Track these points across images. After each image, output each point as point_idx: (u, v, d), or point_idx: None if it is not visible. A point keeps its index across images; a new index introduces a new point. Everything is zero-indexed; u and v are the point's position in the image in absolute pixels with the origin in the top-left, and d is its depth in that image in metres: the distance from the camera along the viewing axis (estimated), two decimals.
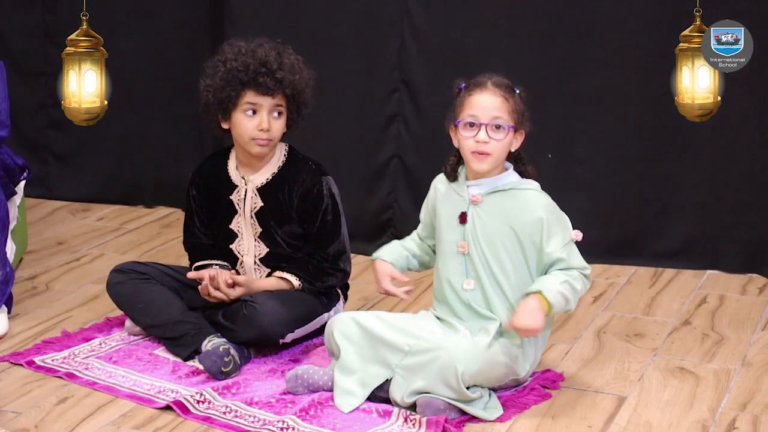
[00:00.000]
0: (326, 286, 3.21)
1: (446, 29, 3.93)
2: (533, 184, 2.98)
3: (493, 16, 3.89)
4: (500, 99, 2.90)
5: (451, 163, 3.01)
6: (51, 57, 4.52)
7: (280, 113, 3.15)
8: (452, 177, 3.01)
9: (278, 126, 3.15)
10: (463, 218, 2.97)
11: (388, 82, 4.00)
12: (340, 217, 3.21)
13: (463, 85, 2.96)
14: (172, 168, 4.41)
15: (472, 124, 2.90)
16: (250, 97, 3.12)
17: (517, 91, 2.94)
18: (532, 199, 2.94)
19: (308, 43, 3.32)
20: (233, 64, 3.12)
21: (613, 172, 3.92)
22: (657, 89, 3.84)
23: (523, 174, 3.00)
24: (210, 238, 3.29)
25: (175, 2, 4.36)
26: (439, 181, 3.06)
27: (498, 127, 2.89)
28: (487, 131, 2.88)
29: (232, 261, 3.25)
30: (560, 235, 2.93)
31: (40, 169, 4.54)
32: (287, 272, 3.19)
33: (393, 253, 3.10)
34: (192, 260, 3.28)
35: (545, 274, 2.93)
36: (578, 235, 2.94)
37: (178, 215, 4.34)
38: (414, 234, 3.16)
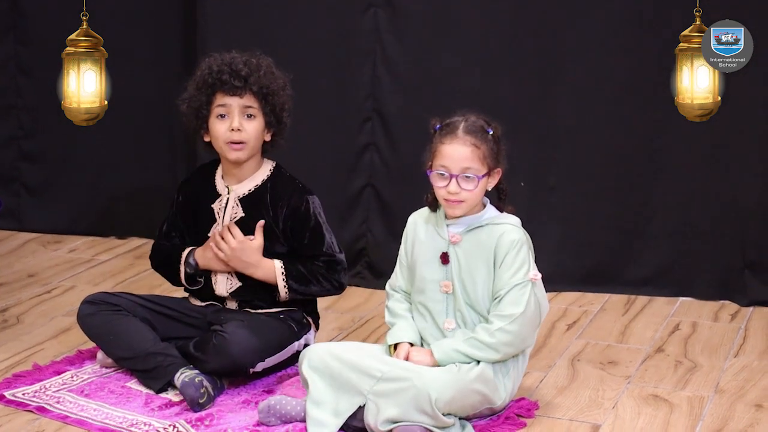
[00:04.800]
0: (313, 292, 3.20)
1: (418, 59, 3.95)
2: (511, 219, 2.99)
3: (465, 44, 3.91)
4: (470, 149, 2.91)
5: (432, 194, 3.02)
6: (23, 89, 4.51)
7: (252, 115, 3.17)
8: (433, 207, 3.03)
9: (251, 128, 3.17)
10: (445, 258, 2.98)
11: (361, 112, 4.01)
12: (327, 233, 3.22)
13: (438, 126, 2.96)
14: (144, 199, 4.40)
15: (442, 174, 2.92)
16: (219, 99, 3.16)
17: (491, 132, 2.95)
18: (505, 233, 2.95)
19: (290, 77, 3.35)
20: (203, 72, 3.19)
21: (586, 201, 3.94)
22: (629, 117, 3.86)
23: (501, 209, 3.02)
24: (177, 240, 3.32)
25: (148, 35, 4.37)
26: (418, 216, 3.07)
27: (468, 177, 2.91)
28: (457, 182, 2.90)
29: (206, 271, 3.25)
30: (511, 272, 2.92)
31: (11, 201, 4.52)
32: (279, 260, 3.17)
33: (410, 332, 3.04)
34: (157, 261, 3.33)
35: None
36: (536, 276, 2.93)
37: (150, 246, 4.31)
38: (400, 293, 3.09)
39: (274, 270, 3.18)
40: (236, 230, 3.16)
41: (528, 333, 2.95)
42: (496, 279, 2.94)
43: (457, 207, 2.94)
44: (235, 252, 3.15)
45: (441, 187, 2.93)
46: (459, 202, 2.93)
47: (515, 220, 3.00)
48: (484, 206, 3.01)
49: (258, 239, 3.17)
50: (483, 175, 2.92)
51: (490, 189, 2.98)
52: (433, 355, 2.92)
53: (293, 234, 3.20)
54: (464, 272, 2.96)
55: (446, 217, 3.00)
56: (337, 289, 3.23)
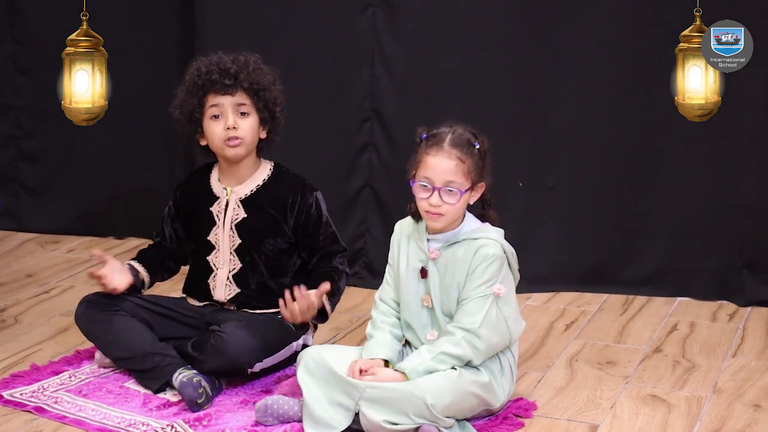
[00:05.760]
0: (342, 293, 3.22)
1: (417, 59, 3.94)
2: (490, 233, 2.96)
3: (464, 44, 3.91)
4: (455, 162, 2.89)
5: (416, 204, 3.01)
6: (21, 89, 4.51)
7: (246, 113, 3.17)
8: (417, 217, 3.01)
9: (247, 125, 3.17)
10: (424, 273, 2.98)
11: (360, 112, 4.01)
12: (334, 228, 3.26)
13: (425, 135, 2.95)
14: (142, 199, 4.40)
15: (425, 186, 2.90)
16: (212, 99, 3.17)
17: (477, 146, 2.92)
18: (482, 248, 2.92)
19: (279, 73, 3.36)
20: (192, 75, 3.20)
21: (584, 201, 3.94)
22: (627, 117, 3.86)
23: (484, 218, 3.00)
24: (174, 244, 3.33)
25: (146, 35, 4.36)
26: (403, 226, 3.06)
27: (451, 191, 2.89)
28: (440, 195, 2.89)
29: (206, 273, 3.26)
30: (476, 284, 2.91)
31: (10, 201, 4.52)
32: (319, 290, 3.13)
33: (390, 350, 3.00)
34: (139, 252, 3.34)
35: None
36: (500, 290, 2.92)
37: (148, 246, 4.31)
38: (387, 305, 3.07)
39: (322, 303, 3.14)
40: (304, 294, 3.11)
41: (494, 344, 2.92)
42: (464, 288, 2.93)
43: (437, 220, 2.92)
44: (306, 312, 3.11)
45: (423, 199, 2.91)
46: (439, 215, 2.91)
47: (496, 234, 2.97)
48: (464, 218, 2.98)
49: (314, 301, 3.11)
50: (466, 190, 2.90)
51: (472, 203, 2.97)
52: (406, 375, 2.88)
53: (304, 233, 3.21)
54: (442, 287, 2.96)
55: (427, 230, 2.99)
56: (348, 279, 3.26)
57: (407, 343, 3.06)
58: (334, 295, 3.18)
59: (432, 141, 2.92)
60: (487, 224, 2.99)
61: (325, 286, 3.09)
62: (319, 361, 2.91)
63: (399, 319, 3.05)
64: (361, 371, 2.88)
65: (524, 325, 3.03)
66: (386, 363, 2.95)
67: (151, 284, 3.30)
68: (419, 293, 2.99)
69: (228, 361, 3.06)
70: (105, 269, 3.17)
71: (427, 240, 2.98)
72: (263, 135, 3.23)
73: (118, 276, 3.19)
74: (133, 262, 3.28)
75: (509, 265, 2.98)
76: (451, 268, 2.94)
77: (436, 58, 3.93)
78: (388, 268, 3.08)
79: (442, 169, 2.88)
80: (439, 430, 2.81)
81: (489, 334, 2.90)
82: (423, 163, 2.91)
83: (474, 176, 2.91)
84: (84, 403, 3.07)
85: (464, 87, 3.90)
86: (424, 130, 2.97)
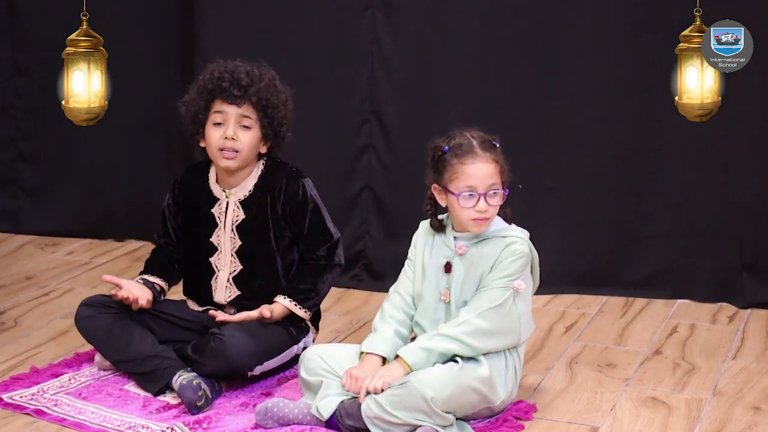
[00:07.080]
0: (324, 292, 3.23)
1: (416, 60, 3.94)
2: (516, 231, 2.99)
3: (463, 45, 3.91)
4: (493, 165, 2.93)
5: (431, 212, 3.01)
6: (20, 90, 4.51)
7: (249, 126, 3.16)
8: (440, 230, 3.02)
9: (246, 138, 3.16)
10: (448, 268, 2.98)
11: (359, 113, 4.01)
12: (325, 216, 3.23)
13: (447, 147, 2.95)
14: (142, 201, 4.39)
15: (471, 195, 2.91)
16: (218, 106, 3.16)
17: (497, 145, 2.96)
18: (512, 244, 2.95)
19: (278, 74, 3.36)
20: (205, 77, 3.18)
21: (584, 202, 3.93)
22: (627, 118, 3.86)
23: (505, 217, 3.02)
24: (178, 244, 3.32)
25: (145, 36, 4.36)
26: (428, 224, 3.06)
27: (495, 193, 2.92)
28: (485, 200, 2.91)
29: (208, 275, 3.25)
30: (499, 275, 2.92)
31: (9, 203, 4.52)
32: (281, 295, 3.18)
33: (388, 345, 2.99)
34: (146, 263, 3.32)
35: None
36: (520, 286, 2.94)
37: (148, 248, 4.28)
38: (400, 297, 3.06)
39: (285, 308, 3.18)
40: (229, 317, 3.17)
41: (500, 332, 2.92)
42: (486, 278, 2.94)
43: (484, 224, 2.95)
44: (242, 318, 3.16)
45: (469, 208, 2.92)
46: (486, 219, 2.94)
47: (523, 233, 2.99)
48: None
49: (238, 317, 3.16)
50: (504, 188, 2.94)
51: None
52: (406, 362, 2.89)
53: (293, 220, 3.20)
54: (464, 282, 2.97)
55: (454, 228, 3.00)
56: (339, 270, 3.25)
57: (414, 339, 3.06)
58: (306, 299, 3.18)
59: (461, 150, 2.93)
60: (513, 225, 3.01)
61: (262, 311, 3.12)
62: (323, 362, 2.92)
63: (409, 316, 3.05)
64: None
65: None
66: (383, 361, 2.95)
67: (168, 289, 3.30)
68: (439, 288, 3.00)
69: (228, 364, 3.06)
70: (124, 290, 3.17)
71: (454, 237, 2.99)
72: (263, 150, 3.22)
73: (139, 291, 3.19)
74: (145, 276, 3.27)
75: (531, 266, 2.99)
76: (476, 263, 2.96)
77: (435, 59, 3.93)
78: (407, 263, 3.08)
79: (483, 175, 2.91)
80: (437, 430, 2.81)
81: (496, 320, 2.91)
82: (462, 174, 2.92)
83: (505, 174, 2.96)
84: (84, 405, 3.07)
85: (464, 88, 3.90)
86: (443, 142, 2.97)
